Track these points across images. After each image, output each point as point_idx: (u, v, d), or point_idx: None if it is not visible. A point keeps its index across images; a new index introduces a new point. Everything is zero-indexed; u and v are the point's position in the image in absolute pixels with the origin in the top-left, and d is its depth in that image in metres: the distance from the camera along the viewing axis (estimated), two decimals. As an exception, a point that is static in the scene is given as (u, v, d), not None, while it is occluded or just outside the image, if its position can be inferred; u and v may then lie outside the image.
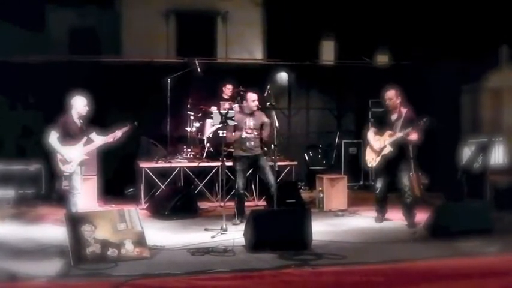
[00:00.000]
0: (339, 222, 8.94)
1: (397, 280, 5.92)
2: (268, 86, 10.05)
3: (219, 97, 11.00)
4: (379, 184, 8.69)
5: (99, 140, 8.33)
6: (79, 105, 8.17)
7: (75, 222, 6.54)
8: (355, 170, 11.08)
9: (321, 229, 7.95)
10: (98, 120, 8.80)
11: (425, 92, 11.48)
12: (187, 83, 11.13)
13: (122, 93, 11.28)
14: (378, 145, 8.51)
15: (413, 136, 8.19)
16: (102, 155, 9.90)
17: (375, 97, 10.53)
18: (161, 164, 10.26)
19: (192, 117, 10.90)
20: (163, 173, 10.21)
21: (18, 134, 11.07)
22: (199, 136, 10.96)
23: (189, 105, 10.96)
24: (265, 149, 9.20)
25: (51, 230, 7.93)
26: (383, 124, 8.56)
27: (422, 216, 8.24)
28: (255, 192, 10.41)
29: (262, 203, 10.10)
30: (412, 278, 5.94)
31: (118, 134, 8.33)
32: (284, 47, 12.46)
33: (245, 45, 12.89)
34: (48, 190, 10.39)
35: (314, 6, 12.32)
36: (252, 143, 8.63)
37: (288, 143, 12.18)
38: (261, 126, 8.69)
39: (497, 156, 10.78)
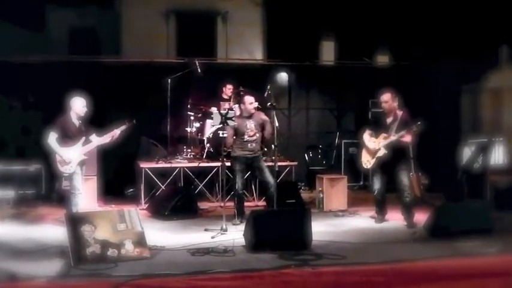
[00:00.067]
0: (339, 222, 8.93)
1: (397, 280, 5.92)
2: (269, 86, 10.06)
3: (219, 97, 11.00)
4: (376, 186, 8.70)
5: (97, 139, 8.33)
6: (78, 106, 8.17)
7: (75, 222, 6.53)
8: (355, 170, 11.05)
9: (321, 229, 7.95)
10: (97, 121, 8.81)
11: (425, 92, 11.49)
12: (188, 83, 11.13)
13: (122, 94, 11.28)
14: (372, 147, 8.53)
15: (407, 138, 8.21)
16: (102, 155, 9.90)
17: (375, 97, 10.53)
18: (161, 164, 10.26)
19: (192, 118, 10.90)
20: (163, 173, 10.21)
21: (18, 134, 11.06)
22: (199, 136, 10.96)
23: (189, 106, 10.96)
24: (265, 149, 9.19)
25: (51, 230, 7.93)
26: (378, 126, 8.57)
27: (422, 217, 8.23)
28: (255, 192, 10.41)
29: (262, 203, 10.10)
30: (412, 278, 5.94)
31: (116, 132, 8.33)
32: (284, 47, 12.46)
33: (245, 45, 12.89)
34: (48, 190, 10.39)
35: (314, 6, 12.32)
36: (254, 144, 8.63)
37: (288, 143, 12.19)
38: (262, 126, 8.68)
39: (497, 156, 10.79)
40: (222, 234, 7.76)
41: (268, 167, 8.77)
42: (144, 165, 10.12)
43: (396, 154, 8.35)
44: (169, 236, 7.78)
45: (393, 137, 8.24)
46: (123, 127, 8.37)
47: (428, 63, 11.75)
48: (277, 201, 8.27)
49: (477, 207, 8.06)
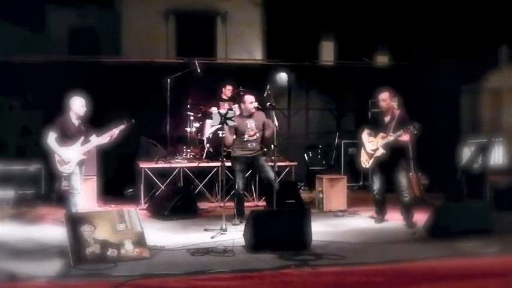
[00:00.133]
0: (338, 222, 8.94)
1: (397, 280, 5.92)
2: (268, 87, 10.07)
3: (219, 97, 11.00)
4: (376, 186, 8.71)
5: (96, 139, 8.33)
6: (77, 105, 8.17)
7: (75, 222, 6.53)
8: (355, 170, 11.05)
9: (320, 229, 7.95)
10: (97, 121, 8.80)
11: (425, 93, 11.50)
12: (187, 83, 11.13)
13: (122, 94, 11.28)
14: (370, 147, 8.54)
15: (405, 137, 8.22)
16: (102, 155, 9.91)
17: (375, 97, 10.54)
18: (161, 164, 10.26)
19: (191, 118, 10.89)
20: (163, 173, 10.21)
21: (18, 134, 11.06)
22: (199, 136, 10.96)
23: (188, 106, 10.96)
24: (265, 149, 9.19)
25: (51, 230, 7.93)
26: (377, 125, 8.58)
27: (422, 217, 8.23)
28: (255, 192, 10.41)
29: (262, 203, 10.10)
30: (412, 278, 5.94)
31: (115, 132, 8.33)
32: (284, 48, 12.46)
33: (245, 45, 12.89)
34: (48, 190, 10.38)
35: (314, 6, 12.32)
36: (254, 144, 8.63)
37: (288, 144, 12.19)
38: (263, 126, 8.68)
39: (497, 156, 10.79)
40: (221, 234, 7.76)
41: (268, 165, 8.75)
42: (144, 165, 10.12)
43: (395, 154, 8.36)
44: (169, 236, 7.78)
45: (391, 137, 8.25)
46: (121, 127, 8.37)
47: (428, 64, 11.75)
48: (277, 202, 8.27)
49: (477, 207, 8.06)
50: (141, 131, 10.57)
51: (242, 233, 7.23)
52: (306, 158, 12.41)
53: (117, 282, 5.60)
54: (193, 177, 10.40)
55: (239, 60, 12.55)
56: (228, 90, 11.00)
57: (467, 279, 5.88)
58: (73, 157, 8.13)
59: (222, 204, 8.84)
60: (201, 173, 10.51)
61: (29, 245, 7.14)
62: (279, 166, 8.98)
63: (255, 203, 10.21)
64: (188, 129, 10.98)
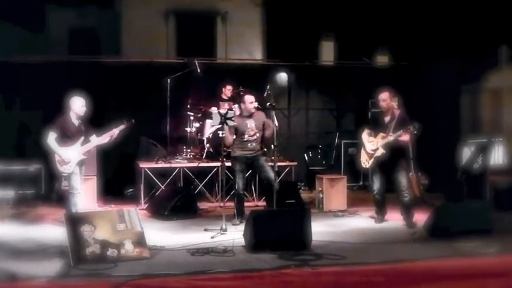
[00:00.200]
0: (338, 222, 8.94)
1: (397, 280, 5.92)
2: (268, 87, 10.07)
3: (219, 97, 10.99)
4: (375, 186, 8.71)
5: (96, 139, 8.33)
6: (77, 105, 8.17)
7: (75, 222, 6.53)
8: (355, 170, 11.05)
9: (320, 229, 7.95)
10: (97, 121, 8.81)
11: (425, 93, 11.50)
12: (187, 83, 11.13)
13: (122, 94, 11.29)
14: (370, 147, 8.54)
15: (405, 137, 8.22)
16: (102, 155, 9.91)
17: (375, 98, 10.55)
18: (161, 165, 10.26)
19: (191, 118, 10.89)
20: (163, 173, 10.20)
21: (18, 134, 11.07)
22: (199, 136, 10.96)
23: (188, 106, 10.96)
24: (265, 149, 9.19)
25: (51, 230, 7.93)
26: (377, 125, 8.58)
27: (422, 217, 8.23)
28: (255, 192, 10.41)
29: (262, 203, 10.10)
30: (412, 278, 5.94)
31: (115, 132, 8.33)
32: (284, 48, 12.46)
33: (245, 45, 12.89)
34: (48, 190, 10.38)
35: (314, 6, 12.32)
36: (254, 144, 8.63)
37: (288, 144, 12.19)
38: (263, 126, 8.68)
39: (497, 156, 10.78)
40: (221, 234, 7.76)
41: (268, 165, 8.74)
42: (144, 165, 10.12)
43: (395, 154, 8.36)
44: (169, 236, 7.78)
45: (391, 137, 8.25)
46: (121, 127, 8.37)
47: (428, 64, 11.75)
48: (277, 202, 8.27)
49: (477, 207, 8.06)
50: (141, 131, 10.58)
51: (242, 233, 7.23)
52: (306, 158, 12.41)
53: (117, 282, 5.60)
54: (193, 177, 10.40)
55: (239, 60, 12.55)
56: (228, 90, 11.00)
57: (467, 279, 5.88)
58: (73, 157, 8.13)
59: (222, 204, 8.84)
60: (201, 173, 10.51)
61: (29, 245, 7.14)
62: (279, 166, 8.99)
63: (255, 203, 10.21)
64: (188, 129, 10.98)
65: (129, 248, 6.56)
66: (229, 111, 8.48)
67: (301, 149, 12.45)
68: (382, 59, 13.12)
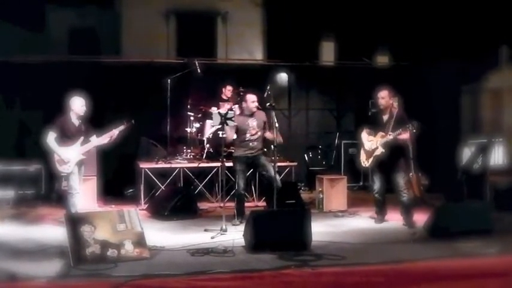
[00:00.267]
0: (338, 222, 8.93)
1: (397, 281, 5.92)
2: (268, 87, 10.06)
3: (219, 98, 10.99)
4: (376, 185, 8.71)
5: (96, 139, 8.33)
6: (77, 105, 8.17)
7: (75, 222, 6.53)
8: (355, 170, 11.05)
9: (320, 230, 7.95)
10: (97, 121, 8.81)
11: (425, 93, 11.49)
12: (187, 83, 11.12)
13: (122, 94, 11.28)
14: (370, 146, 8.55)
15: (404, 136, 8.22)
16: (102, 156, 9.91)
17: (374, 96, 10.56)
18: (161, 165, 10.26)
19: (192, 118, 10.89)
20: (163, 174, 10.20)
21: (18, 134, 11.07)
22: (199, 137, 10.95)
23: (189, 106, 10.95)
24: (265, 149, 9.19)
25: (51, 231, 7.93)
26: (376, 124, 8.58)
27: (422, 217, 8.23)
28: (255, 192, 10.40)
29: (262, 203, 10.09)
30: (412, 278, 5.95)
31: (115, 133, 8.33)
32: (284, 48, 12.46)
33: (245, 45, 12.89)
34: (48, 190, 10.37)
35: (314, 6, 12.31)
36: (255, 143, 8.63)
37: (288, 144, 12.17)
38: (264, 125, 8.69)
39: (497, 157, 10.78)
40: (221, 234, 7.75)
41: (269, 163, 8.72)
42: (144, 165, 10.12)
43: (395, 153, 8.36)
44: (169, 237, 7.78)
45: (390, 136, 8.25)
46: (121, 127, 8.38)
47: (428, 64, 11.75)
48: (277, 202, 8.27)
49: (477, 207, 8.06)
50: (141, 131, 10.57)
51: (242, 233, 7.23)
52: (306, 158, 12.40)
53: (117, 282, 5.60)
54: (193, 177, 10.39)
55: (239, 60, 12.55)
56: (228, 91, 11.00)
57: (467, 280, 5.89)
58: (72, 157, 8.13)
59: (222, 205, 8.84)
60: (201, 173, 10.50)
61: (29, 245, 7.14)
62: (279, 166, 8.98)
63: (255, 203, 10.21)
64: (188, 130, 10.98)
65: (129, 248, 6.56)
66: (229, 112, 8.48)
67: (302, 149, 12.44)
68: (382, 59, 13.12)
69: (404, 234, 7.89)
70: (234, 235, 7.53)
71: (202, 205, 9.92)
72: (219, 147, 9.21)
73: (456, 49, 11.16)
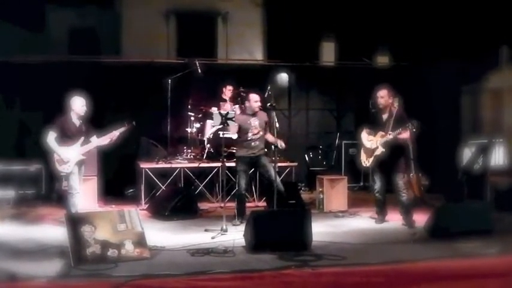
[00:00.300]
0: (339, 223, 8.93)
1: (397, 281, 5.92)
2: (269, 87, 10.06)
3: (220, 98, 10.99)
4: (376, 185, 8.72)
5: (96, 140, 8.33)
6: (77, 105, 8.17)
7: (75, 222, 6.53)
8: (356, 171, 11.06)
9: (321, 230, 7.94)
10: (97, 121, 8.81)
11: (425, 93, 11.49)
12: (188, 83, 11.13)
13: (122, 94, 11.28)
14: (370, 146, 8.55)
15: (404, 135, 8.22)
16: (102, 156, 9.91)
17: (373, 95, 10.56)
18: (161, 165, 10.26)
19: (192, 118, 10.89)
20: (163, 174, 10.20)
21: (18, 134, 11.07)
22: (199, 137, 10.95)
23: (189, 106, 10.96)
24: (265, 149, 9.19)
25: (52, 231, 7.93)
26: (376, 124, 8.58)
27: (422, 217, 8.23)
28: (255, 192, 10.40)
29: (262, 203, 10.09)
30: (413, 278, 5.94)
31: (115, 134, 8.33)
32: (284, 48, 12.46)
33: (245, 45, 12.89)
34: (49, 190, 10.38)
35: (314, 7, 12.32)
36: (257, 142, 8.63)
37: (288, 144, 12.15)
38: (265, 126, 8.70)
39: (497, 157, 10.77)
40: (222, 234, 7.75)
41: (271, 164, 8.71)
42: (144, 165, 10.12)
43: (395, 152, 8.36)
44: (170, 237, 7.78)
45: (390, 135, 8.25)
46: (122, 129, 8.38)
47: (428, 64, 11.75)
48: (277, 202, 8.27)
49: (477, 208, 8.07)
50: (142, 132, 10.57)
51: (242, 233, 7.23)
52: (307, 158, 12.41)
53: (117, 282, 5.60)
54: (193, 177, 10.40)
55: (240, 60, 12.55)
56: (228, 91, 11.00)
57: (467, 280, 5.89)
58: (72, 157, 8.13)
59: (222, 205, 8.84)
60: (201, 173, 10.51)
61: (30, 245, 7.14)
62: (279, 167, 8.99)
63: (255, 204, 10.21)
64: (189, 130, 10.98)
65: (129, 248, 6.56)
66: (230, 112, 8.48)
67: (302, 150, 12.45)
68: (382, 60, 13.12)
69: (404, 235, 7.89)
70: (235, 235, 7.53)
71: (203, 205, 9.92)
72: (219, 148, 9.20)
73: (456, 49, 11.16)
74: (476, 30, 10.85)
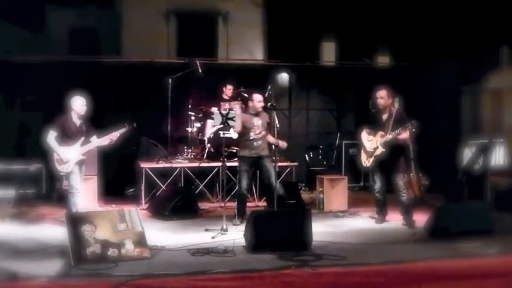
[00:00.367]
0: (339, 223, 8.93)
1: (397, 281, 5.92)
2: (269, 87, 10.07)
3: (220, 97, 10.99)
4: (377, 185, 8.71)
5: (96, 141, 8.33)
6: (78, 105, 8.17)
7: (75, 222, 6.53)
8: (356, 170, 11.05)
9: (321, 230, 7.94)
10: (98, 121, 8.81)
11: (425, 93, 11.50)
12: (188, 83, 11.13)
13: (122, 94, 11.29)
14: (370, 146, 8.55)
15: (404, 135, 8.22)
16: (102, 155, 9.91)
17: (373, 96, 10.56)
18: (162, 165, 10.26)
19: (192, 118, 10.90)
20: (163, 174, 10.20)
21: (19, 134, 11.07)
22: (199, 136, 10.96)
23: (189, 106, 10.96)
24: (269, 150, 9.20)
25: (52, 230, 7.93)
26: (376, 124, 8.58)
27: (422, 217, 8.23)
28: (256, 192, 10.40)
29: (262, 203, 10.09)
30: (413, 279, 5.94)
31: (116, 135, 8.33)
32: (285, 48, 12.47)
33: (246, 45, 12.89)
34: (49, 190, 10.38)
35: (315, 7, 12.32)
36: (260, 142, 8.63)
37: (288, 144, 12.16)
38: (267, 126, 8.70)
39: (497, 157, 10.78)
40: (222, 234, 7.75)
41: (274, 169, 8.69)
42: (145, 165, 10.12)
43: (395, 152, 8.37)
44: (170, 236, 7.78)
45: (390, 135, 8.26)
46: (122, 130, 8.37)
47: (428, 64, 11.75)
48: (277, 202, 8.27)
49: (477, 208, 8.07)
50: (142, 131, 10.55)
51: (243, 233, 7.23)
52: (307, 158, 12.41)
53: (117, 282, 5.60)
54: (194, 177, 10.40)
55: (240, 60, 12.55)
56: (228, 90, 11.01)
57: (467, 280, 5.89)
58: (72, 157, 8.13)
59: (222, 205, 8.84)
60: (201, 173, 10.51)
61: (30, 245, 7.14)
62: (280, 166, 8.98)
63: (255, 203, 10.21)
64: (189, 129, 10.98)
65: (129, 247, 6.56)
66: (230, 111, 8.49)
67: (302, 150, 12.44)
68: (382, 60, 13.13)
69: (404, 235, 7.89)
70: (235, 235, 7.53)
71: (203, 205, 9.92)
72: (219, 147, 9.21)
73: (456, 49, 11.17)
74: (477, 30, 10.86)
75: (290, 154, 11.18)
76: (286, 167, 10.53)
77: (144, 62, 11.68)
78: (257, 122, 8.62)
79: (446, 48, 11.36)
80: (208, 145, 10.57)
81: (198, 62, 10.81)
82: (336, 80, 12.90)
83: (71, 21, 12.08)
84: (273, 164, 8.62)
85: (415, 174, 10.03)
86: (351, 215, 9.47)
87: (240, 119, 8.58)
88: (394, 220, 8.73)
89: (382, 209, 8.78)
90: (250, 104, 8.83)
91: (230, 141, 9.35)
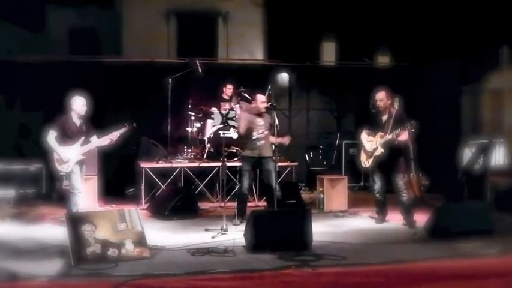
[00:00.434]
0: (339, 223, 8.93)
1: (397, 281, 5.92)
2: (269, 87, 10.05)
3: (220, 97, 11.00)
4: (376, 185, 8.71)
5: (96, 140, 8.33)
6: (78, 105, 8.17)
7: (75, 222, 6.53)
8: (356, 170, 11.04)
9: (321, 230, 7.94)
10: (98, 121, 8.80)
11: (425, 93, 11.50)
12: (188, 83, 11.13)
13: (122, 94, 11.29)
14: (369, 146, 8.55)
15: (404, 137, 8.22)
16: (102, 155, 9.91)
17: (372, 97, 10.57)
18: (162, 164, 10.26)
19: (192, 118, 10.90)
20: (163, 173, 10.20)
21: (19, 134, 11.07)
22: (199, 136, 10.96)
23: (189, 106, 10.96)
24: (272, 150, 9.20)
25: (52, 230, 7.93)
26: (375, 125, 8.59)
27: (422, 217, 8.23)
28: (256, 192, 10.40)
29: (262, 203, 10.09)
30: (413, 279, 5.94)
31: (115, 135, 8.32)
32: (285, 48, 12.47)
33: (246, 45, 12.90)
34: (49, 190, 10.38)
35: (315, 7, 12.32)
36: (262, 141, 8.63)
37: (289, 144, 12.16)
38: (270, 127, 8.70)
39: (497, 157, 10.78)
40: (222, 234, 7.75)
41: (276, 172, 8.68)
42: (145, 165, 10.12)
43: (394, 153, 8.37)
44: (170, 236, 7.78)
45: (389, 136, 8.26)
46: (122, 130, 8.36)
47: (428, 64, 11.75)
48: (277, 202, 8.27)
49: (477, 208, 8.07)
50: (142, 131, 10.55)
51: (243, 233, 7.23)
52: (307, 158, 12.41)
53: (117, 282, 5.60)
54: (194, 177, 10.40)
55: (240, 60, 12.56)
56: (228, 90, 11.01)
57: (467, 280, 5.89)
58: (72, 157, 8.12)
59: (222, 204, 8.84)
60: (201, 173, 10.51)
61: (30, 245, 7.14)
62: (279, 166, 8.98)
63: (255, 203, 10.21)
64: (189, 129, 10.98)
65: (129, 247, 6.56)
66: (230, 111, 8.48)
67: (302, 150, 12.44)
68: (383, 60, 13.13)
69: (404, 235, 7.89)
70: (235, 235, 7.53)
71: (203, 205, 9.92)
72: (219, 147, 9.21)
73: (456, 49, 11.17)
74: (477, 30, 10.86)
75: (290, 154, 11.19)
76: (286, 167, 10.53)
77: (144, 62, 11.69)
78: (260, 122, 8.62)
79: (446, 48, 11.37)
80: (208, 145, 10.57)
81: (198, 62, 10.81)
82: (336, 80, 12.90)
83: (71, 21, 12.08)
84: (275, 169, 8.61)
85: (415, 174, 10.03)
86: (351, 215, 9.47)
87: (245, 121, 8.55)
88: (394, 220, 8.74)
89: (382, 209, 8.78)
90: (253, 104, 8.83)
91: (230, 141, 9.35)
